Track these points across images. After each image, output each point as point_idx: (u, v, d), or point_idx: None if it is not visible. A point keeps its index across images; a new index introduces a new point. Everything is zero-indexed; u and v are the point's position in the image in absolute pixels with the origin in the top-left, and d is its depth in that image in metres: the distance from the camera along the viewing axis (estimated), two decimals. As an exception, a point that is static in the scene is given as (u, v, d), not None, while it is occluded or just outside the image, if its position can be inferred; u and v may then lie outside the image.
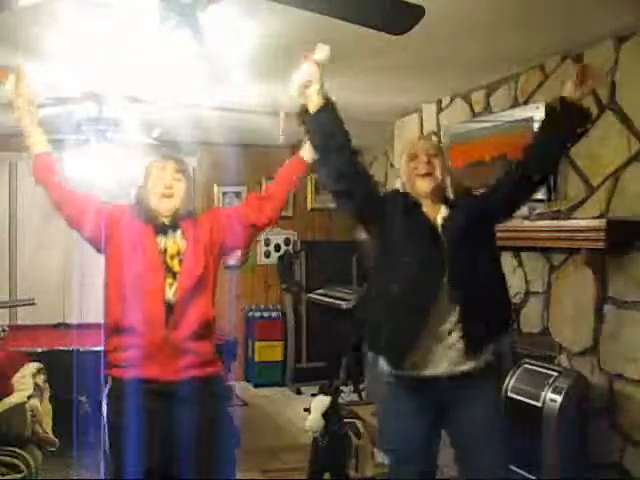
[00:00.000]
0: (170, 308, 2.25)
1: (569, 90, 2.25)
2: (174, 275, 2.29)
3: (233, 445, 2.40)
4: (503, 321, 2.41)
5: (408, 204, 2.30)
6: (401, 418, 2.31)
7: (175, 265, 2.31)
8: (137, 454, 2.18)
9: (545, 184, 2.53)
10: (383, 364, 2.36)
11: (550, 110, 2.41)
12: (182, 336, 2.24)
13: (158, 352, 2.22)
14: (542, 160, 2.32)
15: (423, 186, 2.27)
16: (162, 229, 2.34)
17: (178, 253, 2.32)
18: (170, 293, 2.26)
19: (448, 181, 2.33)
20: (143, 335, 2.22)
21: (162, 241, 2.33)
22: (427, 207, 2.29)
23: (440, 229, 2.25)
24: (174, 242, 2.33)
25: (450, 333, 2.22)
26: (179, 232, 2.35)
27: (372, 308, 2.37)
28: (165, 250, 2.32)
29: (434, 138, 4.54)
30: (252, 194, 2.65)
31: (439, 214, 2.28)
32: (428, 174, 2.26)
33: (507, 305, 2.45)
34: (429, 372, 2.23)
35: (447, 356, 2.22)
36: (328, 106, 2.30)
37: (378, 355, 2.38)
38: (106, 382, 2.33)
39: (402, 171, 2.37)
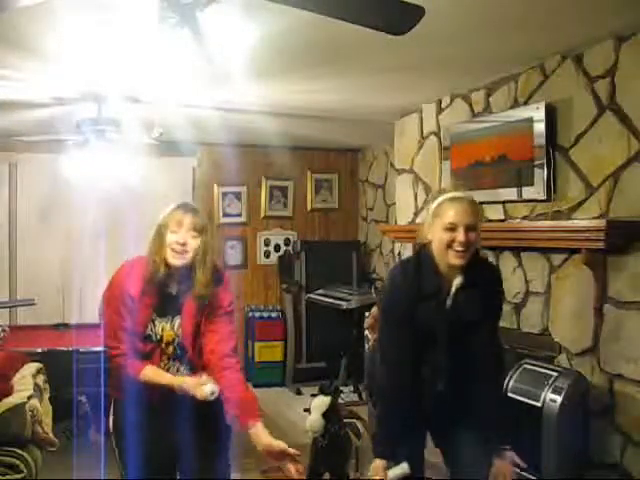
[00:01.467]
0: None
1: None
2: (168, 358, 2.35)
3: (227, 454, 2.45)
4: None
5: (433, 291, 2.26)
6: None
7: (169, 350, 2.34)
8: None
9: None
10: None
11: None
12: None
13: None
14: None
15: (457, 262, 2.20)
16: (164, 310, 2.33)
17: (171, 341, 2.34)
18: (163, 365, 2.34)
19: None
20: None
21: (159, 326, 2.33)
22: (446, 278, 2.26)
23: (451, 299, 2.25)
24: (171, 327, 2.34)
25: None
26: (178, 319, 2.33)
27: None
28: (161, 338, 2.33)
29: (434, 140, 4.54)
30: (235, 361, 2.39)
31: (455, 282, 2.25)
32: (464, 252, 2.18)
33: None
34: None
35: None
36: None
37: None
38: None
39: (434, 235, 2.24)
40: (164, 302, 2.33)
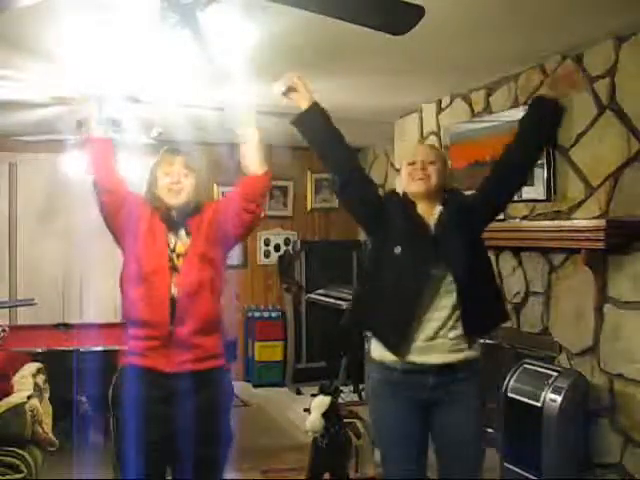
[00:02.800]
0: (175, 304, 2.28)
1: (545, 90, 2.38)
2: (178, 274, 2.32)
3: (227, 439, 2.41)
4: (498, 310, 2.50)
5: (404, 203, 2.44)
6: (390, 416, 2.38)
7: (181, 263, 2.33)
8: (140, 436, 2.22)
9: (524, 185, 2.62)
10: (376, 351, 2.42)
11: (528, 108, 2.59)
12: (186, 332, 2.27)
13: (163, 345, 2.26)
14: (521, 159, 2.43)
15: (415, 188, 2.41)
16: (173, 226, 2.36)
17: (184, 253, 2.34)
18: (175, 291, 2.29)
19: (443, 183, 2.43)
20: (150, 328, 2.27)
21: (172, 240, 2.35)
22: (422, 206, 2.41)
23: (433, 226, 2.37)
24: (182, 241, 2.35)
25: (444, 325, 2.30)
26: (184, 230, 2.36)
27: (368, 298, 2.47)
28: (174, 249, 2.34)
29: (434, 140, 4.54)
30: (241, 181, 2.64)
31: (433, 212, 2.40)
32: (421, 179, 2.39)
33: (500, 297, 2.62)
34: (419, 360, 2.29)
35: (437, 347, 2.30)
36: (315, 106, 2.57)
37: (375, 337, 2.44)
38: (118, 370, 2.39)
39: (402, 172, 2.50)
40: (170, 220, 2.38)
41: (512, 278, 3.71)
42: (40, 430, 3.03)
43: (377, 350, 2.41)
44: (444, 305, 2.29)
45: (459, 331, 2.29)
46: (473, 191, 2.49)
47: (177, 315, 2.27)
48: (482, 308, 2.32)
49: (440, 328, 2.29)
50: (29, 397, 3.08)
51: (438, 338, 2.30)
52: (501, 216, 3.77)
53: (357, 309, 2.60)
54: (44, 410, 3.20)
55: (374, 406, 2.52)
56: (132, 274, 2.31)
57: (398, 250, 2.34)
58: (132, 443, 2.22)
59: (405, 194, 2.45)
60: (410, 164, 2.44)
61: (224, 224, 2.42)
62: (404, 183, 2.46)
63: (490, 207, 2.47)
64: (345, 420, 3.61)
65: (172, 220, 2.36)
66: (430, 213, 2.39)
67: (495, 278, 2.58)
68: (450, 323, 2.29)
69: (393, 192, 2.58)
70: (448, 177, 2.49)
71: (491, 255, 3.83)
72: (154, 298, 2.28)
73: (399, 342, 2.31)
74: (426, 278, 2.29)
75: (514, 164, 2.41)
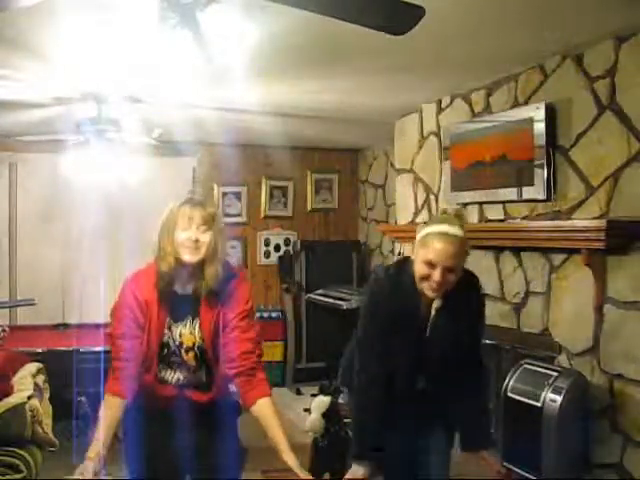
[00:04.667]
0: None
1: None
2: (188, 368, 2.25)
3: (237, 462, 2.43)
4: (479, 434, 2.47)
5: (411, 308, 2.29)
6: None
7: (190, 359, 2.24)
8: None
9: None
10: None
11: None
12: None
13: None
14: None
15: (430, 294, 2.22)
16: (179, 314, 2.23)
17: (192, 347, 2.22)
18: (190, 379, 2.26)
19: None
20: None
21: (177, 331, 2.22)
22: (425, 300, 2.28)
23: (430, 322, 2.29)
24: (190, 332, 2.23)
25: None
26: (196, 315, 2.22)
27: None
28: (180, 344, 2.23)
29: (434, 140, 4.53)
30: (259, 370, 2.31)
31: (434, 304, 2.29)
32: (437, 289, 2.19)
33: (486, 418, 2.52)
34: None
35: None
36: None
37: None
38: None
39: (415, 266, 2.22)
40: (179, 304, 2.22)
41: (512, 278, 3.71)
42: (40, 430, 3.03)
43: None
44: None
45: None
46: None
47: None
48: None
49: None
50: (29, 397, 3.07)
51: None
52: (501, 216, 3.79)
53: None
54: (44, 410, 3.20)
55: None
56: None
57: (393, 348, 2.29)
58: None
59: (413, 277, 2.23)
60: (428, 264, 2.15)
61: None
62: (417, 278, 2.21)
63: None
64: (345, 420, 3.60)
65: (180, 298, 2.23)
66: (430, 306, 2.29)
67: (482, 389, 2.53)
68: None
69: (396, 284, 2.31)
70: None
71: (491, 255, 3.84)
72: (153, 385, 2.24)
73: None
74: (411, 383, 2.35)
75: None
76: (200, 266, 2.19)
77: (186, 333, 2.22)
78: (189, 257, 2.16)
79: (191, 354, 2.23)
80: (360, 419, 2.38)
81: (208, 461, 2.26)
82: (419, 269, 2.18)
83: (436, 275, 2.13)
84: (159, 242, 2.20)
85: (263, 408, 2.21)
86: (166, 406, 2.24)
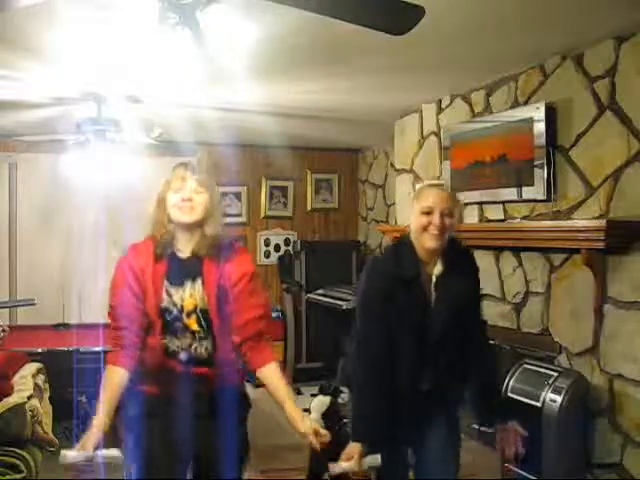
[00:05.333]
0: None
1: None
2: (193, 334, 2.19)
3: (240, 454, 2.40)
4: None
5: (412, 278, 2.29)
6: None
7: (193, 323, 2.18)
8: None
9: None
10: None
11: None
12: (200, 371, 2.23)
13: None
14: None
15: (432, 244, 2.25)
16: (176, 275, 2.18)
17: (194, 310, 2.18)
18: (200, 351, 2.20)
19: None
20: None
21: (177, 294, 2.18)
22: (426, 261, 2.31)
23: (433, 288, 2.29)
24: (191, 295, 2.18)
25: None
26: (198, 276, 2.18)
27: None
28: (181, 307, 2.18)
29: (434, 140, 4.54)
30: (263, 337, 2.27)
31: (434, 269, 2.31)
32: (438, 235, 2.23)
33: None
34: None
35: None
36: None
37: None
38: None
39: (412, 219, 2.31)
40: (178, 268, 2.18)
41: (512, 278, 3.71)
42: (40, 430, 3.03)
43: None
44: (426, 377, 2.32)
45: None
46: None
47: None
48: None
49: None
50: (29, 397, 3.08)
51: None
52: (501, 216, 3.79)
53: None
54: (44, 410, 3.20)
55: None
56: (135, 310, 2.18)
57: (399, 326, 2.26)
58: None
59: (411, 246, 2.30)
60: (425, 212, 2.24)
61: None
62: (415, 232, 2.28)
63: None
64: (345, 420, 3.60)
65: (180, 261, 2.19)
66: (432, 273, 2.30)
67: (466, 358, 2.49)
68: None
69: (397, 257, 2.35)
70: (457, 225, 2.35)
71: (491, 255, 3.84)
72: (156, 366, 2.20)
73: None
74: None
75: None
76: (199, 227, 2.18)
77: (186, 296, 2.18)
78: (184, 217, 2.16)
79: (193, 317, 2.17)
80: (362, 394, 2.33)
81: (209, 455, 2.23)
82: (418, 221, 2.26)
83: (435, 219, 2.22)
84: (155, 210, 2.21)
85: (270, 373, 2.21)
86: (171, 386, 2.19)
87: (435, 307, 2.28)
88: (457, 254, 2.35)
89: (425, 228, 2.24)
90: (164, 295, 2.17)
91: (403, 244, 2.34)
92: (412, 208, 2.32)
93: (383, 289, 2.26)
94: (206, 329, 2.19)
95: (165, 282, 2.18)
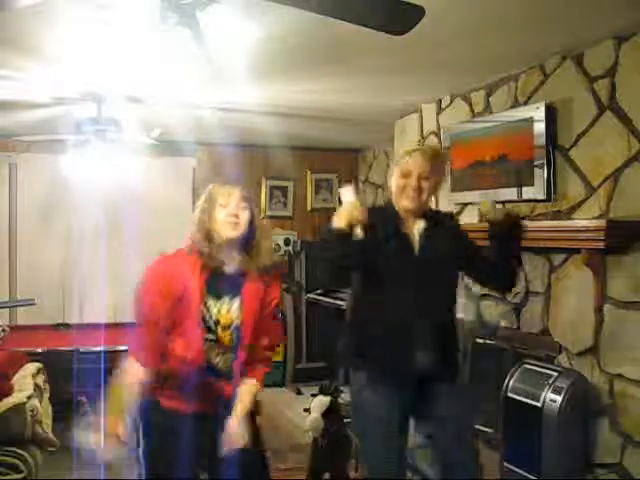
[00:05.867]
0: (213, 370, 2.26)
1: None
2: (224, 348, 2.25)
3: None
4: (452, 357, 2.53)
5: (390, 225, 2.41)
6: (375, 406, 2.41)
7: (226, 337, 2.24)
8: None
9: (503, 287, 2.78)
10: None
11: (490, 240, 2.57)
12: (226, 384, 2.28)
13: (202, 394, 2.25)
14: (502, 271, 2.56)
15: (409, 204, 2.38)
16: (216, 289, 2.23)
17: (229, 325, 2.24)
18: (221, 364, 2.27)
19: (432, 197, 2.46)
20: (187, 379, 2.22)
21: (215, 307, 2.23)
22: (407, 220, 2.43)
23: (417, 244, 2.40)
24: (228, 310, 2.24)
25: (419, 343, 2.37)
26: (236, 293, 2.24)
27: (358, 323, 2.50)
28: (217, 321, 2.23)
29: (434, 140, 4.54)
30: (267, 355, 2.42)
31: (416, 227, 2.42)
32: (414, 196, 2.37)
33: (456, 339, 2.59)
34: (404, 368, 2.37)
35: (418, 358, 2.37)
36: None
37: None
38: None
39: (393, 182, 2.44)
40: (218, 282, 2.22)
41: (512, 278, 3.71)
42: (40, 430, 3.03)
43: None
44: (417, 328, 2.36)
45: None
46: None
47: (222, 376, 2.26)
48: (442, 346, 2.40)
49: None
50: (29, 397, 3.08)
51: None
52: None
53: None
54: (44, 410, 3.20)
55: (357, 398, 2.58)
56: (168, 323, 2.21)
57: (386, 273, 2.35)
58: None
59: (393, 207, 2.44)
60: (404, 176, 2.38)
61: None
62: (395, 194, 2.42)
63: (464, 263, 2.51)
64: (345, 420, 3.61)
65: (219, 274, 2.24)
66: (413, 228, 2.42)
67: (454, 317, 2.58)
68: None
69: (379, 208, 2.56)
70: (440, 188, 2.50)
71: (491, 255, 3.83)
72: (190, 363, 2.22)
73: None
74: (407, 303, 2.34)
75: (499, 273, 2.53)
76: (243, 244, 2.23)
77: (224, 312, 2.23)
78: (231, 232, 2.20)
79: (227, 333, 2.24)
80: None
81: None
82: (396, 184, 2.39)
83: (412, 181, 2.34)
84: (199, 221, 2.24)
85: (246, 387, 2.30)
86: (193, 396, 2.22)
87: (420, 254, 2.39)
88: (439, 215, 2.52)
89: (402, 190, 2.37)
90: (202, 307, 2.21)
91: (387, 204, 2.48)
92: (394, 171, 2.43)
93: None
94: (235, 345, 2.25)
95: (205, 294, 2.21)
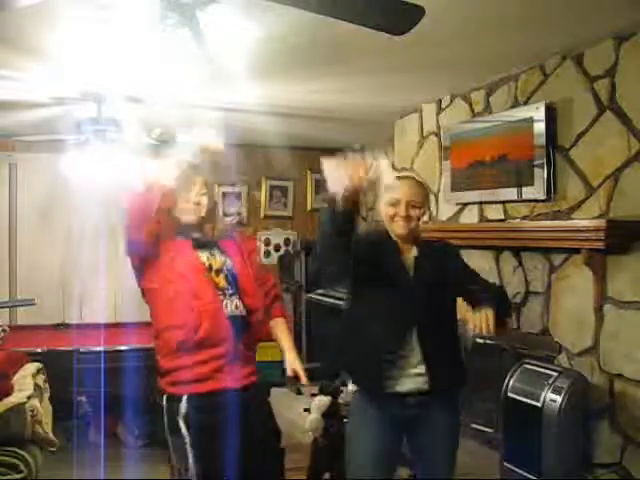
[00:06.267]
0: (233, 321, 2.35)
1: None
2: (222, 291, 2.39)
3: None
4: (460, 374, 2.49)
5: (385, 245, 2.40)
6: (367, 428, 2.39)
7: (221, 281, 2.40)
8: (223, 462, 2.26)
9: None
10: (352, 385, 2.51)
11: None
12: (243, 347, 2.39)
13: (228, 363, 2.32)
14: None
15: (400, 230, 2.37)
16: (200, 244, 2.44)
17: (221, 269, 2.42)
18: (231, 308, 2.38)
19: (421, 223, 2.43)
20: (214, 348, 2.31)
21: (204, 256, 2.43)
22: (401, 245, 2.41)
23: (412, 270, 2.37)
24: (216, 258, 2.44)
25: (416, 366, 2.33)
26: (217, 248, 2.46)
27: (349, 340, 2.53)
28: (210, 266, 2.41)
29: (434, 140, 4.54)
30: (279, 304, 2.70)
31: (411, 253, 2.40)
32: (404, 223, 2.35)
33: (461, 361, 2.54)
34: (395, 390, 2.33)
35: (412, 381, 2.33)
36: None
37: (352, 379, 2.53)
38: (171, 399, 2.34)
39: (382, 210, 2.43)
40: (196, 239, 2.44)
41: (512, 278, 3.71)
42: (40, 430, 3.03)
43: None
44: (416, 354, 2.32)
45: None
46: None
47: (237, 331, 2.35)
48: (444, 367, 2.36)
49: (412, 369, 2.33)
50: (29, 397, 3.07)
51: (411, 377, 2.33)
52: (501, 216, 3.79)
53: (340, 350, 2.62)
54: (44, 410, 3.20)
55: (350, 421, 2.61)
56: (173, 298, 2.32)
57: (381, 297, 2.33)
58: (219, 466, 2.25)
59: (385, 233, 2.42)
60: (392, 204, 2.37)
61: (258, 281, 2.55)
62: (385, 221, 2.41)
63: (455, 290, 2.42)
64: (345, 420, 3.60)
65: (196, 238, 2.45)
66: (408, 253, 2.40)
67: (457, 337, 2.51)
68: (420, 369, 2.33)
69: (374, 232, 2.53)
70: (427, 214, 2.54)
71: (491, 255, 3.84)
72: (212, 319, 2.31)
73: (372, 387, 2.38)
74: (404, 330, 2.31)
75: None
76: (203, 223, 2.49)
77: (212, 258, 2.43)
78: (190, 217, 2.46)
79: (221, 277, 2.40)
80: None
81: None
82: (386, 212, 2.39)
83: (401, 210, 2.34)
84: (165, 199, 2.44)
85: (278, 324, 2.63)
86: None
87: (414, 277, 2.36)
88: (433, 242, 2.51)
89: (392, 218, 2.37)
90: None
91: (378, 228, 2.49)
92: (382, 198, 2.44)
93: (359, 250, 2.26)
94: (231, 285, 2.42)
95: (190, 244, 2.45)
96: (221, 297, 2.37)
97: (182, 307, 2.30)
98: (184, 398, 2.30)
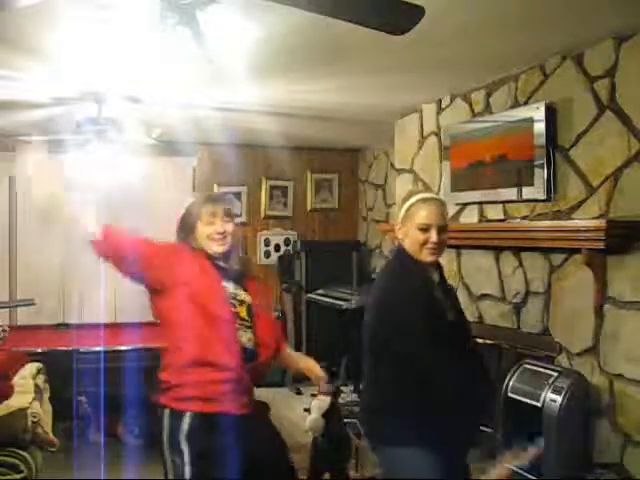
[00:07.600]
0: (244, 351, 2.38)
1: None
2: (242, 321, 2.41)
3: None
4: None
5: (426, 282, 2.28)
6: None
7: (242, 311, 2.42)
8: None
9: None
10: None
11: None
12: (247, 377, 2.40)
13: (233, 390, 2.33)
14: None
15: (431, 259, 2.28)
16: (227, 274, 2.44)
17: (244, 301, 2.44)
18: (245, 339, 2.40)
19: None
20: (224, 372, 2.31)
21: (230, 286, 2.43)
22: (426, 269, 2.31)
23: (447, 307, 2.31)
24: (240, 290, 2.46)
25: None
26: (242, 283, 2.48)
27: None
28: (235, 295, 2.43)
29: (434, 140, 4.54)
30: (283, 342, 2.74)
31: (434, 277, 2.34)
32: (435, 251, 2.26)
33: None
34: None
35: None
36: None
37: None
38: (173, 415, 2.31)
39: (407, 235, 2.28)
40: (224, 269, 2.45)
41: (512, 278, 3.71)
42: (40, 431, 3.04)
43: None
44: None
45: None
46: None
47: (246, 362, 2.37)
48: None
49: None
50: (31, 402, 3.07)
51: None
52: (501, 216, 3.79)
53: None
54: (44, 410, 3.20)
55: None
56: (191, 314, 2.32)
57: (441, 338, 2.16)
58: None
59: (412, 256, 2.27)
60: (422, 229, 2.24)
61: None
62: (413, 246, 2.26)
63: None
64: (345, 420, 3.60)
65: (223, 267, 2.45)
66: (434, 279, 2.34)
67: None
68: None
69: (403, 260, 2.31)
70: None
71: (491, 255, 3.84)
72: (228, 343, 2.33)
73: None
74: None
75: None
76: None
77: (235, 289, 2.44)
78: (219, 248, 2.43)
79: (243, 307, 2.43)
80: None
81: None
82: (415, 237, 2.25)
83: (433, 236, 2.23)
84: (185, 233, 2.49)
85: (288, 353, 2.73)
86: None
87: (449, 311, 2.29)
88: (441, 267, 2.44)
89: (423, 244, 2.24)
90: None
91: (404, 255, 2.30)
92: (404, 218, 2.29)
93: (419, 295, 2.17)
94: (249, 320, 2.44)
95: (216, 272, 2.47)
96: (238, 326, 2.38)
97: (201, 326, 2.30)
98: (187, 415, 2.28)
